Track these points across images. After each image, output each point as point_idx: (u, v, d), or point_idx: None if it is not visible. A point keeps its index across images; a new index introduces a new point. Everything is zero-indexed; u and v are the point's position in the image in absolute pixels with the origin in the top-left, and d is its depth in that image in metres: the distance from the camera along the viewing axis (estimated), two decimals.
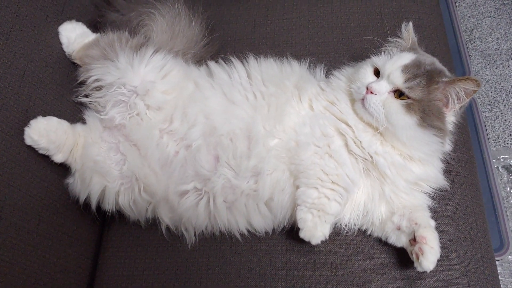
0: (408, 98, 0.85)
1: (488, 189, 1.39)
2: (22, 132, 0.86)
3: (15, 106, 0.86)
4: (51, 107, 0.95)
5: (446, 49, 1.17)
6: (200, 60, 1.09)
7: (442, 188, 0.93)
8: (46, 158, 0.91)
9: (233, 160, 0.89)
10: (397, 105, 0.84)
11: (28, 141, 0.87)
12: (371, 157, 0.87)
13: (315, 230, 0.85)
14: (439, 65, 0.90)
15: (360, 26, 1.19)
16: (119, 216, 0.99)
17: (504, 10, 1.89)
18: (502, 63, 1.77)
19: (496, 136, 1.65)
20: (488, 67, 1.77)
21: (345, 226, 0.93)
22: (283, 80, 0.96)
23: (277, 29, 1.22)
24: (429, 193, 0.92)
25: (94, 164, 0.92)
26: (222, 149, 0.90)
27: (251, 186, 0.89)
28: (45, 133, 0.88)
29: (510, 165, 1.58)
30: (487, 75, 1.76)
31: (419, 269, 0.83)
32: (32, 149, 0.88)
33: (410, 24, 0.96)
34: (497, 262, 1.02)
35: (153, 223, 0.99)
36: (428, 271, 0.83)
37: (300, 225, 0.85)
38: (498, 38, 1.83)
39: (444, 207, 0.96)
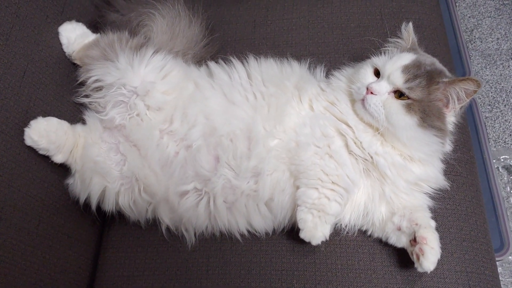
0: (409, 98, 0.85)
1: (489, 189, 1.39)
2: (22, 132, 0.86)
3: (15, 107, 0.86)
4: (51, 108, 0.95)
5: (446, 49, 1.17)
6: (200, 60, 1.09)
7: (443, 188, 0.93)
8: (46, 158, 0.91)
9: (233, 161, 0.89)
10: (397, 105, 0.84)
11: (28, 141, 0.87)
12: (371, 157, 0.87)
13: (315, 231, 0.84)
14: (439, 65, 0.90)
15: (360, 27, 1.19)
16: (119, 216, 0.99)
17: (504, 10, 1.89)
18: (502, 63, 1.77)
19: (496, 137, 1.65)
20: (488, 67, 1.77)
21: (346, 226, 0.93)
22: (283, 81, 0.96)
23: (277, 29, 1.22)
24: (429, 194, 0.92)
25: (94, 165, 0.92)
26: (222, 149, 0.90)
27: (251, 186, 0.89)
28: (45, 133, 0.87)
29: (510, 165, 1.58)
30: (487, 75, 1.76)
31: (419, 269, 0.82)
32: (32, 150, 0.88)
33: (410, 24, 0.96)
34: (497, 263, 1.01)
35: (153, 223, 0.99)
36: (429, 272, 0.82)
37: (300, 225, 0.85)
38: (498, 38, 1.83)
39: (444, 207, 0.96)
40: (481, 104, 1.70)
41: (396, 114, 0.84)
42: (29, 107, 0.89)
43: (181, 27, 1.07)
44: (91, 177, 0.92)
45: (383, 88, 0.86)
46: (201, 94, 0.96)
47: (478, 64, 1.78)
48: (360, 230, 0.95)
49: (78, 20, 1.05)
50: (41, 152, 0.89)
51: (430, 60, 0.90)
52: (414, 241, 0.84)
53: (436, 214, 0.93)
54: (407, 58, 0.88)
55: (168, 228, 0.97)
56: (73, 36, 1.01)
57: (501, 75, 1.75)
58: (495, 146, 1.63)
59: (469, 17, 1.89)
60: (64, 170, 0.95)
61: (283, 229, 0.96)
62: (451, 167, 0.98)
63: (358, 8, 1.21)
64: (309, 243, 0.86)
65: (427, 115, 0.84)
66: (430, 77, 0.85)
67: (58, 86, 0.97)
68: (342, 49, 1.16)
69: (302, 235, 0.85)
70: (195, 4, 1.11)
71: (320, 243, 0.85)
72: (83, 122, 0.98)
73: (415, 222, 0.85)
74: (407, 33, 0.95)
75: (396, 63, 0.87)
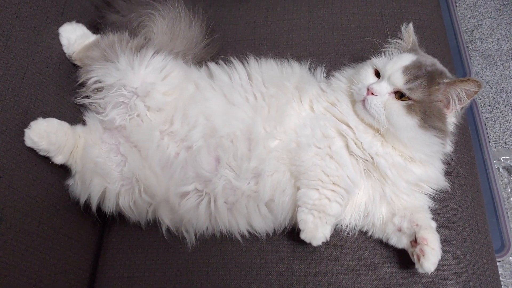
0: (409, 99, 0.85)
1: (489, 190, 1.39)
2: (22, 133, 0.86)
3: (15, 108, 0.86)
4: (51, 109, 0.95)
5: (446, 50, 1.17)
6: (200, 61, 1.09)
7: (443, 189, 0.93)
8: (46, 159, 0.91)
9: (233, 162, 0.89)
10: (398, 106, 0.84)
11: (28, 142, 0.87)
12: (372, 158, 0.87)
13: (316, 232, 0.84)
14: (440, 66, 0.90)
15: (360, 27, 1.19)
16: (119, 217, 0.99)
17: (505, 10, 1.89)
18: (502, 64, 1.77)
19: (496, 137, 1.65)
20: (488, 67, 1.77)
21: (346, 227, 0.93)
22: (284, 81, 0.96)
23: (278, 30, 1.22)
24: (430, 194, 0.92)
25: (94, 166, 0.92)
26: (223, 150, 0.90)
27: (252, 187, 0.89)
28: (45, 134, 0.87)
29: (511, 166, 1.58)
30: (487, 75, 1.76)
31: (420, 270, 0.82)
32: (32, 151, 0.88)
33: (411, 25, 0.96)
34: (498, 263, 1.01)
35: (154, 224, 0.99)
36: (429, 273, 0.82)
37: (301, 226, 0.85)
38: (498, 39, 1.83)
39: (445, 208, 0.96)
40: (481, 105, 1.70)
41: (397, 115, 0.84)
42: (29, 108, 0.89)
43: (181, 28, 1.07)
44: (92, 178, 0.92)
45: (384, 89, 0.86)
46: (202, 95, 0.95)
47: (478, 64, 1.78)
48: (360, 231, 0.95)
49: (78, 21, 1.05)
50: (41, 153, 0.89)
51: (430, 61, 0.90)
52: (414, 242, 0.84)
53: (436, 215, 0.93)
54: (408, 59, 0.88)
55: (168, 229, 0.97)
56: (73, 37, 1.01)
57: (501, 75, 1.75)
58: (495, 147, 1.63)
59: (470, 17, 1.89)
60: (64, 171, 0.95)
61: (283, 230, 0.96)
62: (451, 168, 0.98)
63: (359, 9, 1.22)
64: (309, 244, 0.85)
65: (428, 116, 0.83)
66: (430, 78, 0.85)
67: (58, 87, 0.97)
68: (343, 50, 1.16)
69: (303, 236, 0.85)
70: (195, 5, 1.11)
71: (320, 244, 0.85)
72: (83, 123, 0.98)
73: (415, 223, 0.85)
74: (408, 33, 0.95)
75: (396, 64, 0.87)
